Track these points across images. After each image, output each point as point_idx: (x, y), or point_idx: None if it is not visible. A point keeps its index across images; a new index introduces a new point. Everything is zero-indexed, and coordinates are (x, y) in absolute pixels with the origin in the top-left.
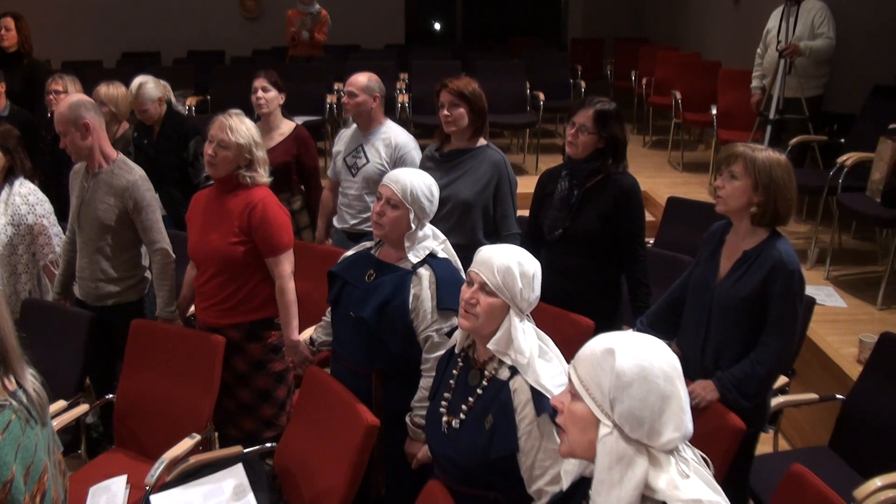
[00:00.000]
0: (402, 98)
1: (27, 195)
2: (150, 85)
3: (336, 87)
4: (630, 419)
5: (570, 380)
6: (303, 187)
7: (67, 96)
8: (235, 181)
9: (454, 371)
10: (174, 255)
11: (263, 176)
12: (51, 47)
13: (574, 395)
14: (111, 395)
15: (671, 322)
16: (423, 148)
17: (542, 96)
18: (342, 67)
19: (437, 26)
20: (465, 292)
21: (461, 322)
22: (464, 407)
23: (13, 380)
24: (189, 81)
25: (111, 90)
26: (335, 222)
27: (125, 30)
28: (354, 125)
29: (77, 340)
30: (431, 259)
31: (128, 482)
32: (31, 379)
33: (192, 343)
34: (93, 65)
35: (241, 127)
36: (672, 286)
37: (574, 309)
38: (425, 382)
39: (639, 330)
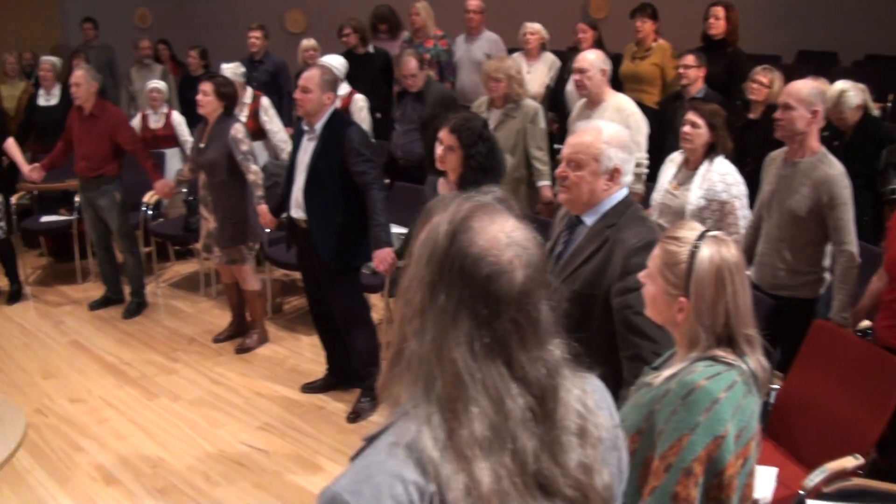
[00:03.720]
0: None
1: (725, 174)
2: (850, 93)
3: None
4: None
5: None
6: None
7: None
8: None
9: None
10: (859, 260)
11: None
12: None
13: None
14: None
15: None
16: None
17: None
18: None
19: None
20: None
21: None
22: None
23: (739, 349)
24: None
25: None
26: None
27: (802, 27)
28: None
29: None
30: None
31: (777, 476)
32: (758, 353)
33: (871, 359)
34: (768, 59)
35: None
36: None
37: None
38: None
39: None
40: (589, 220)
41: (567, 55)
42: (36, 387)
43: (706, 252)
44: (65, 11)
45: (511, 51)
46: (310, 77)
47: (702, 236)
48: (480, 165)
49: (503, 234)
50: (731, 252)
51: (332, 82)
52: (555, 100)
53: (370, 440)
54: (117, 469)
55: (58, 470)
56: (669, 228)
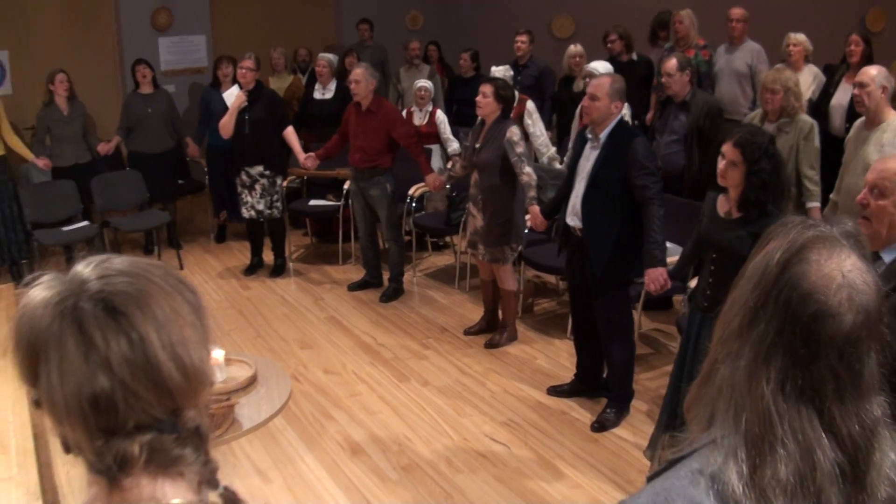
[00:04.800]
0: None
1: None
2: None
3: None
4: None
5: None
6: None
7: None
8: None
9: None
10: None
11: None
12: None
13: None
14: None
15: None
16: None
17: None
18: None
19: None
20: None
21: None
22: None
23: None
24: None
25: None
26: None
27: None
28: None
29: None
30: None
31: None
32: None
33: None
34: None
35: None
36: None
37: None
38: None
39: None
40: (888, 256)
41: (835, 68)
42: (293, 355)
43: None
44: (340, 12)
45: (773, 62)
46: (600, 85)
47: None
48: (763, 184)
49: (839, 273)
50: None
51: (621, 91)
52: (818, 114)
53: (672, 462)
54: (364, 441)
55: (308, 434)
56: None
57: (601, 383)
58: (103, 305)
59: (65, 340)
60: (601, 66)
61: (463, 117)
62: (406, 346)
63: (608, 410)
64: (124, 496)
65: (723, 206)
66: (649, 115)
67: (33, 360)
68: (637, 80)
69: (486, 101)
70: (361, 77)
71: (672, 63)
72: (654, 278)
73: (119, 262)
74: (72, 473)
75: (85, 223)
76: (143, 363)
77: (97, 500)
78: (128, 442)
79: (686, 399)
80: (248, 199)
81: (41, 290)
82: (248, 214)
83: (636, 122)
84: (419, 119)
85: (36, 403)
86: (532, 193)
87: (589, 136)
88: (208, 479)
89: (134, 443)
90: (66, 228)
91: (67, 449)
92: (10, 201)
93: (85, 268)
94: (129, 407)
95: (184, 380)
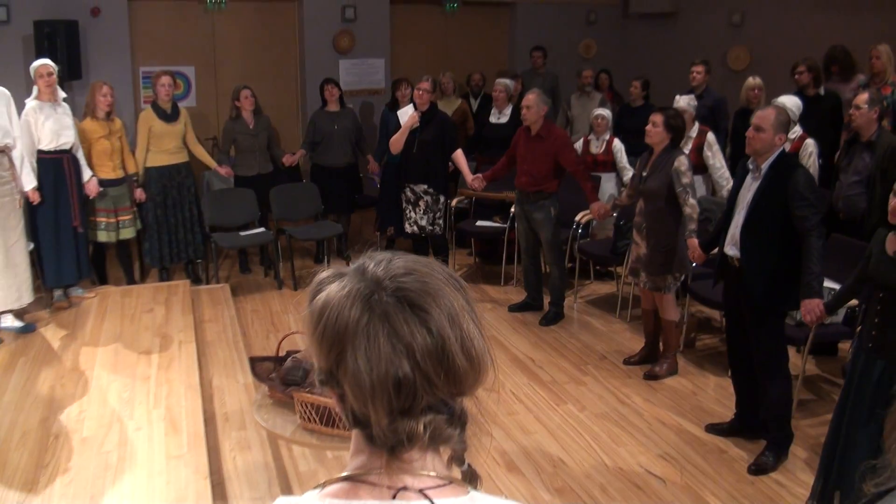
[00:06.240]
0: None
1: None
2: None
3: None
4: None
5: None
6: None
7: None
8: None
9: None
10: None
11: None
12: None
13: None
14: None
15: None
16: None
17: None
18: None
19: None
20: None
21: None
22: None
23: None
24: None
25: None
26: None
27: None
28: None
29: None
30: None
31: None
32: None
33: None
34: None
35: None
36: None
37: None
38: None
39: None
40: None
41: None
42: None
43: None
44: (514, 39)
45: None
46: (765, 116)
47: None
48: None
49: None
50: None
51: (785, 124)
52: None
53: (880, 495)
54: (519, 459)
55: None
56: None
57: (761, 424)
58: (407, 301)
59: (375, 330)
60: (789, 102)
61: (628, 146)
62: (564, 370)
63: (767, 454)
64: (402, 466)
65: (892, 244)
66: (838, 154)
67: (340, 347)
68: (822, 115)
69: (655, 130)
70: (532, 103)
71: (864, 97)
72: (811, 309)
73: (403, 261)
74: (238, 459)
75: (261, 229)
76: (439, 353)
77: (372, 466)
78: (414, 421)
79: (885, 427)
80: (412, 214)
81: (338, 286)
82: (410, 229)
83: (821, 162)
84: (596, 147)
85: (321, 382)
86: (692, 226)
87: (751, 166)
88: (458, 456)
89: (420, 422)
90: (242, 233)
91: (356, 423)
92: (191, 205)
93: (376, 267)
94: (424, 391)
95: (470, 368)
